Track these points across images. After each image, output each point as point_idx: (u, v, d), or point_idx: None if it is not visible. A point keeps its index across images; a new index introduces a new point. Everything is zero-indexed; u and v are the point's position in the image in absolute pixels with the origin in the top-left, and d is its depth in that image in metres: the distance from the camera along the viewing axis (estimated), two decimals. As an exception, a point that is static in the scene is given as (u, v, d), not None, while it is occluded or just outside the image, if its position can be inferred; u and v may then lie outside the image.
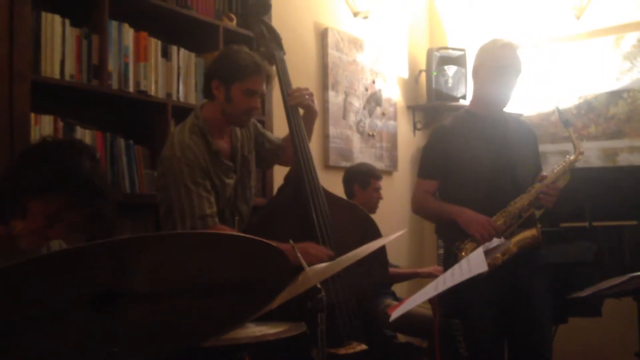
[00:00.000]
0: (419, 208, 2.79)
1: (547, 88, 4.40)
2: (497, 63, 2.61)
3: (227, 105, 2.36)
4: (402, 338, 3.56)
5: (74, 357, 1.18)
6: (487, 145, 2.61)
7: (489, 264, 2.41)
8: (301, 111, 2.61)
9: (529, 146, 2.74)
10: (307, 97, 2.56)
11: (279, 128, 3.13)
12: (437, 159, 2.69)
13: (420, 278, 3.56)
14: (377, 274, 2.62)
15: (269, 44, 2.62)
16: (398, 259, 3.96)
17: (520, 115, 4.24)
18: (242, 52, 2.38)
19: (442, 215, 2.65)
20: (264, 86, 2.41)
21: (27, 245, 1.63)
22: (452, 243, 2.57)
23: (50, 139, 1.77)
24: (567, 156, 2.61)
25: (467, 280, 2.33)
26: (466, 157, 2.61)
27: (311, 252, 2.22)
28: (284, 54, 2.68)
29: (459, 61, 4.74)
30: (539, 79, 4.44)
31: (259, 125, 2.69)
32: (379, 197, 3.54)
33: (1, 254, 1.66)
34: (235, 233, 2.29)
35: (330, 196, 2.51)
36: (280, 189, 2.66)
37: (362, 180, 3.50)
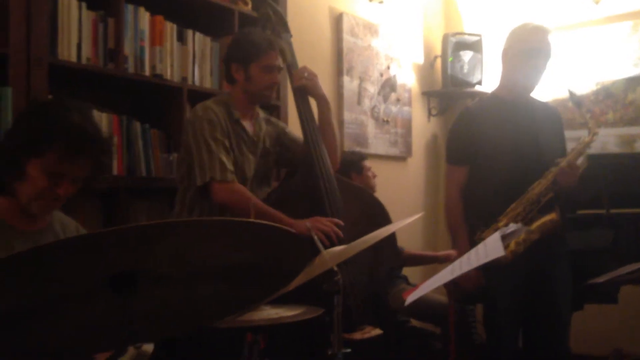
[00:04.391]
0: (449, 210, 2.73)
1: (564, 74, 4.35)
2: (526, 46, 2.57)
3: (248, 84, 2.45)
4: (415, 323, 3.56)
5: (95, 335, 1.19)
6: (513, 131, 2.58)
7: (511, 252, 2.42)
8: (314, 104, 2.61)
9: (556, 131, 2.70)
10: (305, 75, 2.58)
11: (294, 114, 3.13)
12: (465, 142, 2.65)
13: (438, 262, 3.56)
14: (388, 258, 2.63)
15: (276, 27, 2.63)
16: (412, 245, 3.95)
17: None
18: (254, 33, 2.49)
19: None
20: (280, 60, 2.50)
21: (39, 209, 1.63)
22: (474, 234, 2.56)
23: (37, 101, 1.78)
24: (581, 138, 2.57)
25: (489, 266, 2.33)
26: (492, 142, 2.58)
27: (321, 221, 2.27)
28: (291, 36, 2.68)
29: (475, 47, 4.70)
30: (556, 64, 4.39)
31: (286, 127, 2.72)
32: (374, 176, 3.57)
33: (12, 228, 1.67)
34: (257, 199, 2.32)
35: (340, 181, 2.51)
36: (289, 173, 2.66)
37: (357, 167, 3.53)
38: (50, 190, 1.61)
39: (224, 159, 2.31)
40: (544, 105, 2.79)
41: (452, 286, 2.26)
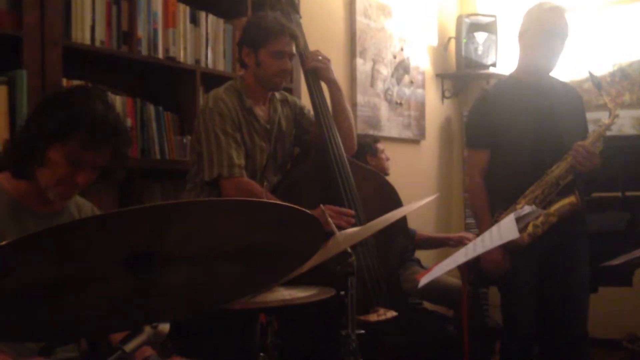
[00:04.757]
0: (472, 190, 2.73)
1: (581, 55, 4.30)
2: (542, 27, 2.55)
3: (257, 70, 2.41)
4: (427, 306, 3.57)
5: (112, 315, 1.21)
6: (531, 113, 2.57)
7: (529, 235, 2.42)
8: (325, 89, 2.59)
9: (576, 112, 2.68)
10: (319, 58, 2.55)
11: (307, 96, 3.12)
12: (484, 125, 2.64)
13: (449, 246, 3.56)
14: (399, 241, 2.64)
15: (284, 8, 2.60)
16: (425, 227, 3.95)
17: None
18: (266, 17, 2.42)
19: None
20: (292, 46, 2.43)
21: (56, 195, 1.66)
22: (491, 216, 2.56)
23: (62, 88, 1.78)
24: (602, 120, 2.56)
25: (509, 249, 2.32)
26: (511, 125, 2.57)
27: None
28: (300, 17, 2.65)
29: (490, 28, 4.66)
30: (573, 45, 4.33)
31: (304, 107, 2.67)
32: (387, 159, 3.57)
33: (28, 210, 1.69)
34: (263, 190, 2.32)
35: (352, 164, 2.51)
36: (300, 156, 2.66)
37: (372, 149, 3.53)
38: (70, 177, 1.63)
39: (233, 153, 2.30)
40: (564, 86, 2.76)
41: (468, 269, 2.26)
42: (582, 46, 4.34)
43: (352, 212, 2.31)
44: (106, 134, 1.62)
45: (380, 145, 3.56)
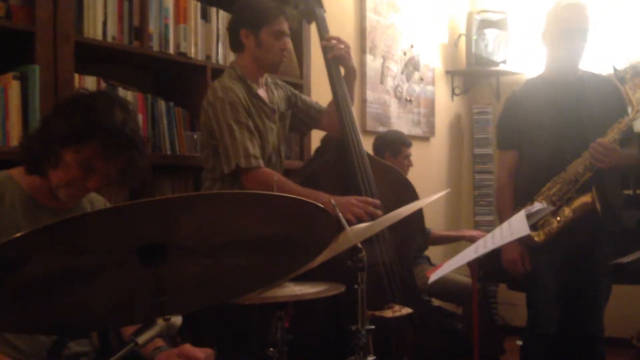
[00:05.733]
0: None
1: (594, 51, 4.27)
2: (560, 26, 2.56)
3: (258, 51, 2.41)
4: (436, 303, 3.57)
5: (125, 307, 1.21)
6: (554, 111, 2.58)
7: (545, 233, 2.41)
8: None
9: (608, 105, 2.63)
10: (342, 47, 2.55)
11: (317, 92, 3.12)
12: (510, 127, 2.68)
13: (465, 240, 3.56)
14: (417, 238, 2.64)
15: (310, 2, 2.60)
16: (434, 224, 3.94)
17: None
18: None
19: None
20: (287, 26, 2.46)
21: (66, 196, 1.66)
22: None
23: (84, 91, 1.79)
24: (625, 116, 2.53)
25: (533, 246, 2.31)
26: (533, 124, 2.59)
27: (354, 204, 2.24)
28: (325, 11, 2.65)
29: (500, 24, 4.64)
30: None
31: (290, 87, 2.70)
32: (409, 164, 3.53)
33: (41, 207, 1.70)
34: (281, 177, 2.33)
35: (370, 158, 2.51)
36: (319, 150, 2.66)
37: (393, 148, 3.48)
38: (80, 181, 1.64)
39: (248, 143, 2.29)
40: (597, 79, 2.73)
41: (478, 266, 2.26)
42: (596, 43, 4.29)
43: (377, 201, 2.30)
44: (121, 146, 1.62)
45: (409, 150, 3.51)
